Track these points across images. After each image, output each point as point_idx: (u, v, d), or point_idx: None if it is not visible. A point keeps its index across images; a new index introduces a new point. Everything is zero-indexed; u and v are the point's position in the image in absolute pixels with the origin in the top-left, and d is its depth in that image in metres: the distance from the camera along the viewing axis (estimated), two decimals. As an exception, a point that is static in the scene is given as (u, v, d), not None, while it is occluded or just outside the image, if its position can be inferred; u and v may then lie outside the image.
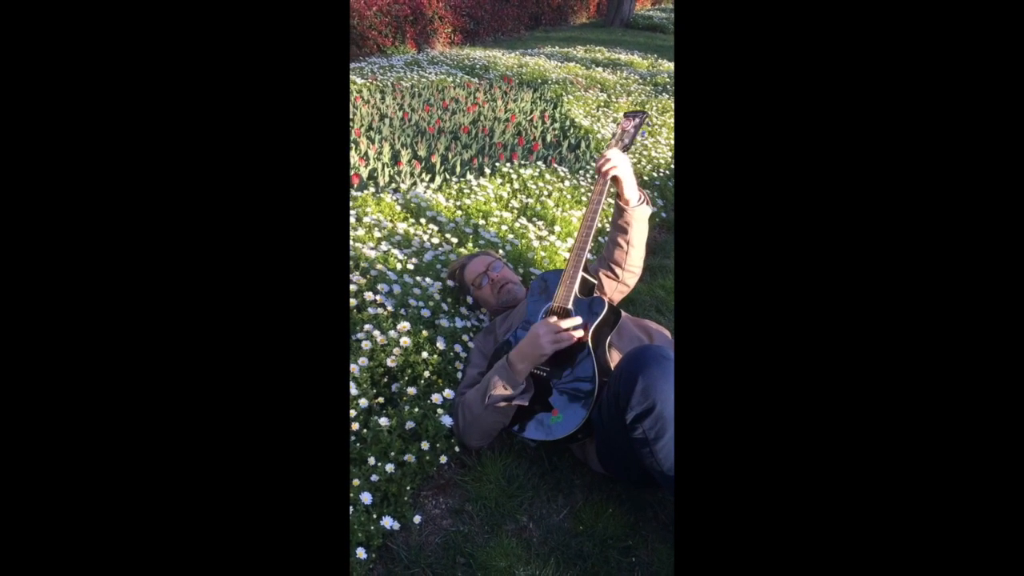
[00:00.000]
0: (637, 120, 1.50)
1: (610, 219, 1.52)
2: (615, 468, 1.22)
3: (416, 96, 4.00)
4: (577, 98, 4.15)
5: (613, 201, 1.48)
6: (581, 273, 1.32)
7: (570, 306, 1.29)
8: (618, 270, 1.48)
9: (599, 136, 3.32)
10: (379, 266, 1.67)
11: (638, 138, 1.49)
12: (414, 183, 2.51)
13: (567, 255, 2.05)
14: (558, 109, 3.88)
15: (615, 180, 1.39)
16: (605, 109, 4.05)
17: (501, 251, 1.96)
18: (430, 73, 4.80)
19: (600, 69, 5.52)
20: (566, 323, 1.23)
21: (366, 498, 1.11)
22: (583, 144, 3.23)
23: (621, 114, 3.86)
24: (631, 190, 1.40)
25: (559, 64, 5.61)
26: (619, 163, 1.37)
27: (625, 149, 1.44)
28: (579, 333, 1.24)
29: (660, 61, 6.30)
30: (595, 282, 1.41)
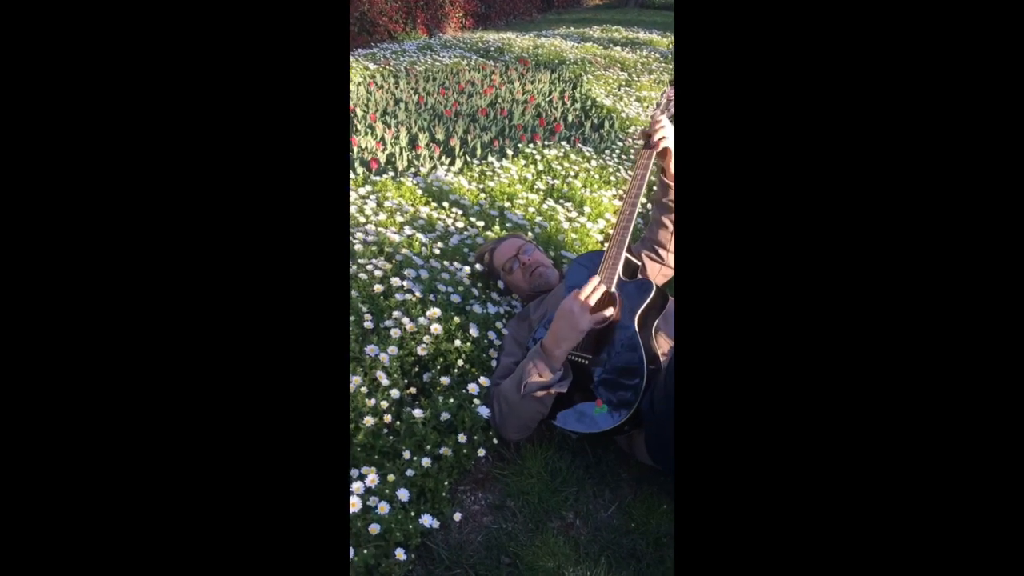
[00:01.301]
0: None
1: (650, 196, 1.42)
2: (666, 461, 1.14)
3: (431, 80, 3.90)
4: (597, 77, 4.02)
5: (656, 178, 1.38)
6: (625, 253, 1.22)
7: (614, 288, 1.20)
8: (663, 252, 1.38)
9: (623, 115, 3.20)
10: (404, 250, 1.59)
11: None
12: (434, 166, 2.43)
13: (599, 237, 1.96)
14: (578, 89, 3.76)
15: (663, 153, 1.29)
16: (627, 88, 3.92)
17: (530, 233, 1.87)
18: (443, 57, 4.69)
19: (619, 48, 5.37)
20: (591, 291, 1.14)
21: (403, 495, 1.04)
22: (607, 124, 3.11)
23: (644, 92, 3.73)
24: None
25: (575, 45, 5.46)
26: (669, 134, 1.27)
27: (672, 119, 1.33)
28: (604, 290, 1.13)
29: (679, 39, 6.09)
30: (639, 263, 1.31)
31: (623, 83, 4.06)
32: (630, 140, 2.84)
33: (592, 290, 1.16)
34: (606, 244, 1.38)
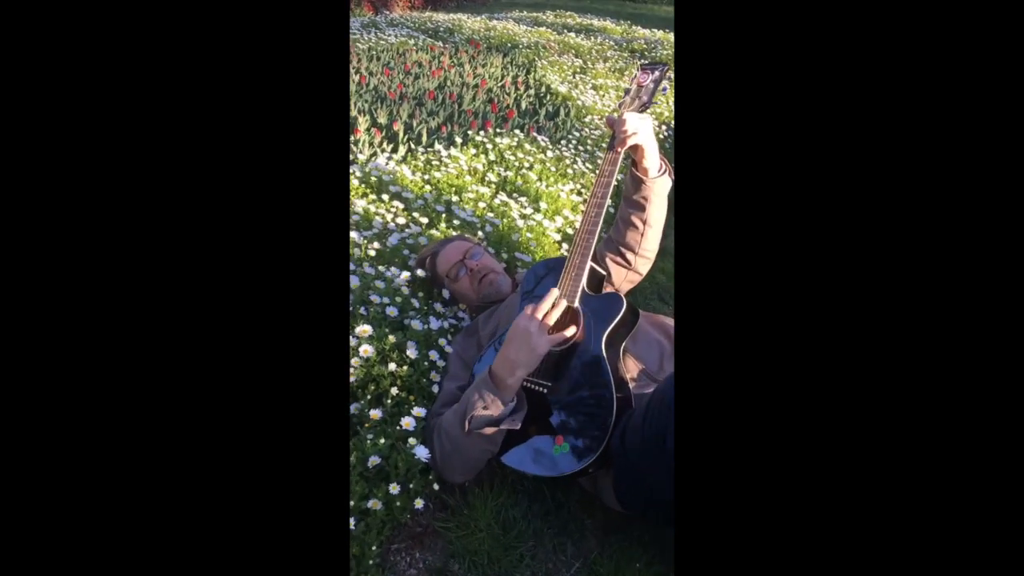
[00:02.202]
0: (656, 73, 1.20)
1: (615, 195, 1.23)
2: (638, 504, 0.97)
3: (374, 59, 3.60)
4: (552, 63, 3.83)
5: (626, 173, 1.20)
6: (590, 262, 1.04)
7: (577, 304, 1.01)
8: (630, 255, 1.21)
9: (579, 103, 3.03)
10: (332, 253, 1.35)
11: (659, 95, 1.20)
12: (374, 153, 2.17)
13: (557, 237, 1.78)
14: (531, 75, 3.56)
15: (634, 148, 1.11)
16: (582, 75, 3.75)
17: (480, 233, 1.66)
18: (389, 36, 4.38)
19: (573, 34, 5.19)
20: (544, 306, 0.96)
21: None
22: (562, 112, 2.93)
23: (600, 80, 3.57)
24: (652, 159, 1.12)
25: (529, 29, 5.25)
26: (640, 128, 1.08)
27: (643, 108, 1.15)
28: (567, 323, 0.96)
29: (634, 27, 6.00)
30: (604, 272, 1.14)
31: (578, 70, 3.90)
32: (587, 131, 2.67)
33: (551, 305, 0.98)
34: (567, 249, 1.20)
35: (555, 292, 0.99)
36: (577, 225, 1.86)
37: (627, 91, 1.21)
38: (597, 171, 1.14)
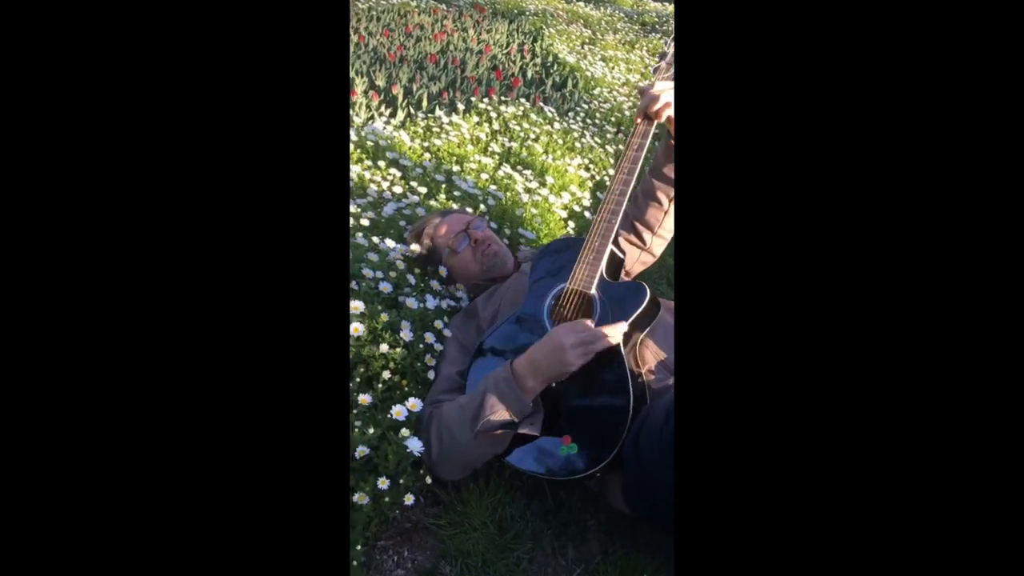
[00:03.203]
0: None
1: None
2: (649, 508, 0.89)
3: (375, 19, 3.42)
4: (559, 32, 3.66)
5: (657, 143, 1.09)
6: (610, 246, 0.94)
7: (593, 291, 0.92)
8: (647, 234, 1.11)
9: (588, 75, 2.89)
10: (322, 221, 1.24)
11: None
12: (370, 117, 2.04)
13: (563, 214, 1.67)
14: (538, 43, 3.40)
15: (671, 119, 1.00)
16: (591, 47, 3.59)
17: (482, 206, 1.56)
18: (390, -5, 4.17)
19: (582, 3, 4.99)
20: (609, 329, 0.87)
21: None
22: (570, 83, 2.79)
23: (609, 52, 3.42)
24: None
25: (536, -4, 5.03)
26: (672, 99, 0.97)
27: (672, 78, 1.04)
28: (616, 339, 0.88)
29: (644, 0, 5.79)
30: (622, 256, 1.04)
31: (587, 40, 3.73)
32: (596, 104, 2.54)
33: (604, 337, 0.87)
34: (574, 228, 1.10)
35: (622, 327, 0.88)
36: (585, 202, 1.77)
37: (660, 56, 1.10)
38: (625, 144, 1.03)
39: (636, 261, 1.15)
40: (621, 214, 0.96)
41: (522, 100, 2.33)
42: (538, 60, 3.09)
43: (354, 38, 2.92)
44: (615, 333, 0.88)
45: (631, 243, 1.13)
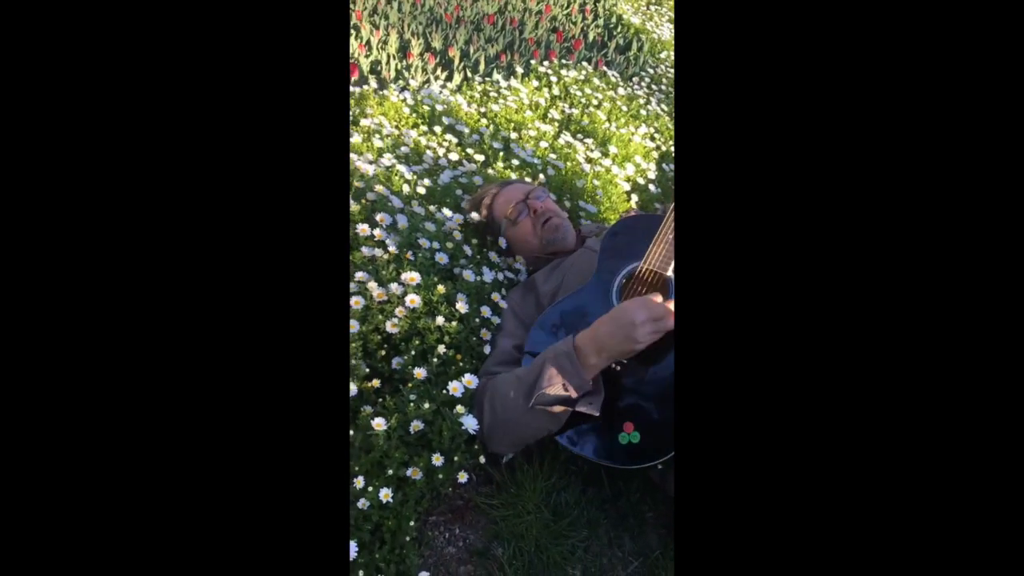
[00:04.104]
0: None
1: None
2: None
3: (431, -22, 3.31)
4: (624, -9, 3.46)
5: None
6: None
7: (670, 273, 0.85)
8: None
9: (654, 37, 2.72)
10: (379, 187, 1.21)
11: None
12: (427, 80, 1.99)
13: (627, 186, 1.58)
14: (601, 3, 3.22)
15: None
16: (657, 7, 3.38)
17: (541, 176, 1.49)
18: (448, -47, 4.03)
19: (647, -39, 4.70)
20: (673, 303, 0.80)
21: (351, 549, 0.73)
22: (635, 46, 2.64)
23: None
24: None
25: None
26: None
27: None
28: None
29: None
30: None
31: (653, 1, 3.51)
32: (663, 68, 2.39)
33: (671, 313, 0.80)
34: (638, 204, 1.02)
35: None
36: (650, 175, 1.67)
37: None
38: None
39: None
40: None
41: (584, 64, 2.22)
42: (600, 21, 2.93)
43: (410, -2, 2.85)
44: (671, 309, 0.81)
45: None
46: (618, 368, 0.85)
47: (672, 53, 2.61)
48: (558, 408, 0.82)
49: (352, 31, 2.37)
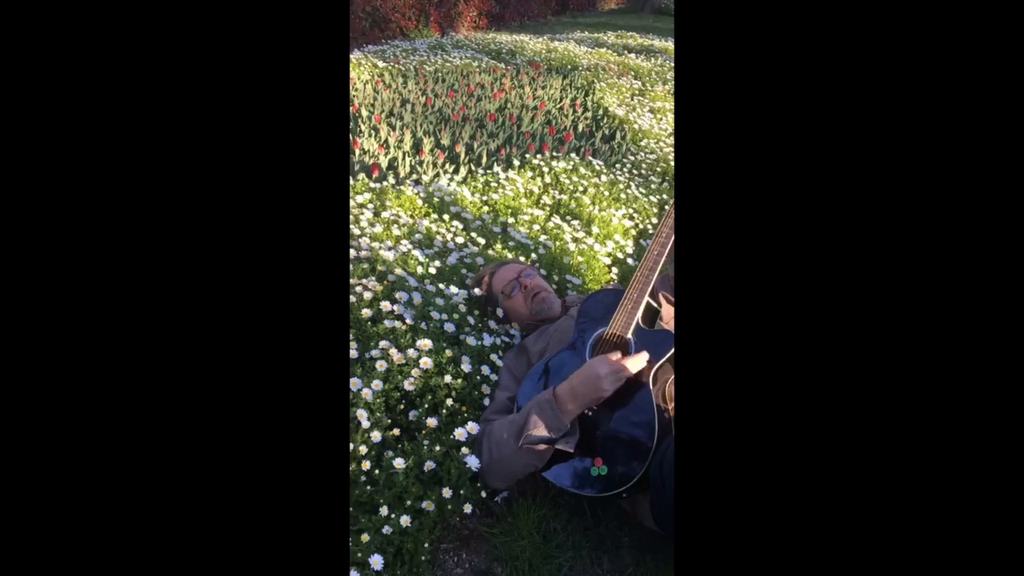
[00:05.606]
0: None
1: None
2: (674, 529, 1.01)
3: (440, 81, 3.78)
4: (610, 85, 3.89)
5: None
6: (647, 299, 1.10)
7: (630, 336, 1.08)
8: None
9: (636, 126, 3.08)
10: (398, 270, 1.47)
11: None
12: (436, 174, 2.31)
13: (607, 261, 1.84)
14: (590, 97, 3.64)
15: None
16: (640, 98, 3.80)
17: (533, 255, 1.75)
18: (455, 57, 4.57)
19: (633, 56, 5.24)
20: (632, 362, 1.02)
21: (377, 562, 0.92)
22: (618, 135, 2.99)
23: (658, 103, 3.61)
24: None
25: (589, 50, 5.33)
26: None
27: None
28: (640, 365, 1.03)
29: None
30: (658, 307, 1.19)
31: (636, 92, 3.94)
32: (642, 155, 2.72)
33: (633, 366, 1.03)
34: (618, 277, 1.26)
35: (644, 355, 1.04)
36: (628, 250, 1.92)
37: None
38: (667, 207, 1.19)
39: (672, 317, 1.30)
40: (657, 273, 1.11)
41: (572, 155, 2.54)
42: (589, 114, 3.32)
43: (423, 99, 3.26)
44: (639, 361, 1.03)
45: (669, 301, 1.28)
46: (590, 413, 1.06)
47: (651, 141, 2.94)
48: (542, 447, 1.02)
49: (372, 132, 2.74)
